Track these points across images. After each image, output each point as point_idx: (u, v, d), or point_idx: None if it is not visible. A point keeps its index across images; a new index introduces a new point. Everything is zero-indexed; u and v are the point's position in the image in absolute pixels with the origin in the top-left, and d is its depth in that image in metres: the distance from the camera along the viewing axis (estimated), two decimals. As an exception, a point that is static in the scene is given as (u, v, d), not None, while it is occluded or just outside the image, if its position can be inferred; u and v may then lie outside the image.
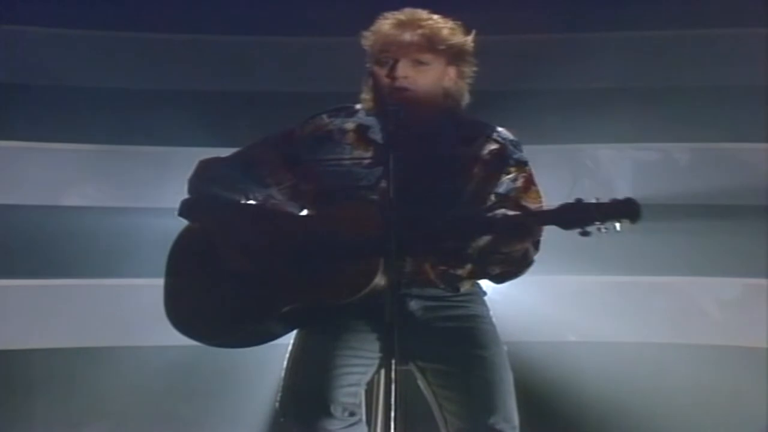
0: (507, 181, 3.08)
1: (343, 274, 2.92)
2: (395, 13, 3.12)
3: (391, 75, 3.05)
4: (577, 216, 2.78)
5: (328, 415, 2.94)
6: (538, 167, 3.20)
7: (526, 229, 2.88)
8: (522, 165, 3.12)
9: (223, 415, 4.77)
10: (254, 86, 4.88)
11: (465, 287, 3.11)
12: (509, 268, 3.03)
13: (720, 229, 4.73)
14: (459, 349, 3.03)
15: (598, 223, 2.77)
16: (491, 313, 3.14)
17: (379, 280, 2.86)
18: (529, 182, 3.10)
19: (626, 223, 2.75)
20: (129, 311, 4.67)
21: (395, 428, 2.66)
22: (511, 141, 3.15)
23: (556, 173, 4.44)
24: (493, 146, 3.13)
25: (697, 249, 4.73)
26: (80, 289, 4.81)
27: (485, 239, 2.95)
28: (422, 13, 3.11)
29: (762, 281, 4.70)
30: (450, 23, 3.12)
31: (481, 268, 3.04)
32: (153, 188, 4.70)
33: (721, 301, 4.82)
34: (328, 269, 2.94)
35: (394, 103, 2.98)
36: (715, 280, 4.78)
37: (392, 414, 2.65)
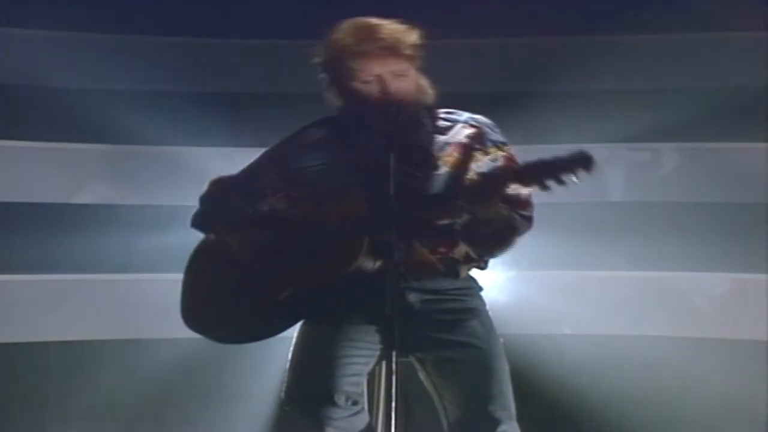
0: (488, 162, 3.11)
1: (329, 255, 2.98)
2: (355, 27, 3.12)
3: (384, 91, 3.08)
4: (536, 172, 2.84)
5: (332, 404, 3.00)
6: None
7: (491, 187, 2.92)
8: (501, 145, 3.16)
9: (230, 406, 4.82)
10: (259, 88, 4.91)
11: (463, 273, 3.17)
12: (497, 241, 3.06)
13: (712, 226, 4.79)
14: (457, 340, 3.08)
15: (556, 176, 2.83)
16: (487, 307, 3.20)
17: (366, 262, 2.93)
18: (511, 161, 3.12)
19: (582, 173, 2.81)
20: (138, 305, 4.75)
21: (396, 417, 2.71)
22: (486, 123, 3.21)
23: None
24: (470, 130, 3.18)
25: (690, 245, 4.77)
26: (92, 283, 4.86)
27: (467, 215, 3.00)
28: (381, 23, 3.11)
29: (752, 276, 4.76)
30: (402, 26, 3.12)
31: (472, 246, 3.09)
32: (161, 186, 4.75)
33: (713, 296, 4.86)
34: (315, 252, 3.00)
35: (393, 104, 3.04)
36: (708, 275, 4.83)
37: (393, 404, 2.71)
